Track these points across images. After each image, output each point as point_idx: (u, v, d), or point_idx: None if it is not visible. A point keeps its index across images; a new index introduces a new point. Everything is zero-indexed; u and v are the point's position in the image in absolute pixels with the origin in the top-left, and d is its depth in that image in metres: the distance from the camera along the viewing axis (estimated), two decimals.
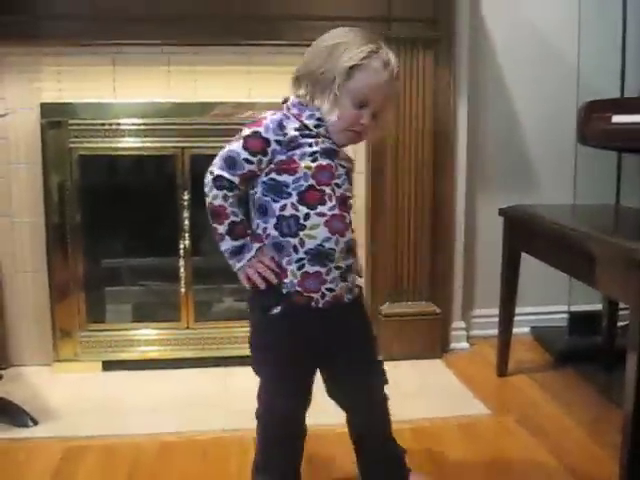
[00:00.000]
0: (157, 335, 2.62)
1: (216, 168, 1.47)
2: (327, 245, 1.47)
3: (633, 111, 2.35)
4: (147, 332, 2.62)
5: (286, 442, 1.61)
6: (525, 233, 2.36)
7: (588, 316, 2.79)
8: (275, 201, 1.47)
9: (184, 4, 2.45)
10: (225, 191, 1.46)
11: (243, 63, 2.55)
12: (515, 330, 2.55)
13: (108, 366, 2.58)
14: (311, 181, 1.46)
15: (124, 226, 2.73)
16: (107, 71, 2.50)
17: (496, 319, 2.55)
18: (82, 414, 2.20)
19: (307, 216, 1.46)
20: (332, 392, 1.63)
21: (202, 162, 2.54)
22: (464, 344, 2.84)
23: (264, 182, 1.48)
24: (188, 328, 2.62)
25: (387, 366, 2.61)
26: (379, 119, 1.52)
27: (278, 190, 1.46)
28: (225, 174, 1.46)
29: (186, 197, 2.55)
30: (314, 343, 1.53)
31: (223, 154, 1.47)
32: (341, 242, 1.49)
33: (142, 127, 2.51)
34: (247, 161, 1.46)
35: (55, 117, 2.46)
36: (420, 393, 2.38)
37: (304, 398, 1.59)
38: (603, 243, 1.87)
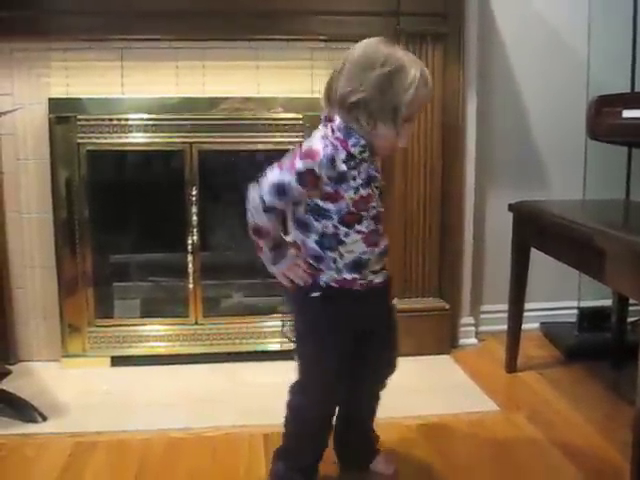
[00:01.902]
0: (165, 331, 2.62)
1: (267, 196, 1.53)
2: (364, 257, 1.60)
3: None
4: (155, 328, 2.62)
5: (311, 436, 1.70)
6: (534, 228, 2.35)
7: (598, 312, 2.77)
8: (317, 220, 1.57)
9: None
10: (272, 215, 1.55)
11: (251, 58, 2.55)
12: (524, 326, 2.53)
13: (117, 362, 2.58)
14: (351, 209, 1.56)
15: (132, 222, 2.73)
16: (115, 66, 2.50)
17: (505, 315, 2.54)
18: (91, 410, 2.20)
19: (347, 234, 1.57)
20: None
21: (210, 157, 2.57)
22: (473, 340, 2.83)
23: (308, 204, 1.57)
24: (196, 324, 2.62)
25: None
26: None
27: (320, 213, 1.56)
28: (276, 203, 1.53)
29: (194, 193, 2.55)
30: (352, 320, 1.62)
31: (274, 180, 1.52)
32: (376, 252, 1.62)
33: (150, 122, 2.50)
34: (298, 192, 1.53)
35: (63, 112, 2.46)
36: (429, 389, 2.37)
37: (340, 380, 1.66)
38: (613, 238, 1.86)
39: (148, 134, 2.51)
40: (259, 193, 1.53)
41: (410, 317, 2.66)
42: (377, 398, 1.84)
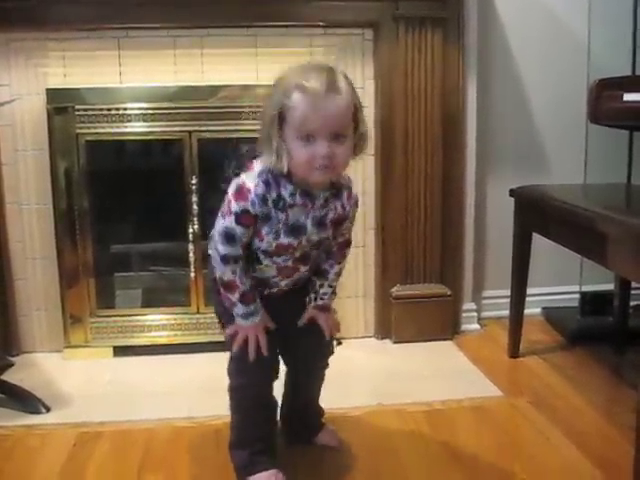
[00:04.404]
0: (167, 320, 2.62)
1: (220, 246, 1.57)
2: (273, 280, 1.67)
3: None
4: (157, 317, 2.62)
5: (260, 413, 1.70)
6: (536, 213, 2.34)
7: (600, 296, 2.77)
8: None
9: None
10: (232, 265, 1.57)
11: (250, 45, 2.53)
12: (526, 311, 2.53)
13: (119, 352, 2.58)
14: (271, 249, 1.59)
15: (133, 211, 2.73)
16: (113, 55, 2.49)
17: (507, 300, 2.54)
18: (94, 400, 2.21)
19: (262, 260, 1.63)
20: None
21: (210, 146, 2.56)
22: (475, 325, 2.83)
23: None
24: (198, 313, 2.62)
25: (398, 348, 2.64)
26: (345, 139, 1.49)
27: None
28: (230, 251, 1.56)
29: (194, 181, 2.54)
30: (274, 319, 1.68)
31: (221, 230, 1.56)
32: (287, 281, 1.68)
33: (149, 112, 2.49)
34: (243, 234, 1.56)
35: (61, 103, 2.45)
36: (432, 375, 2.37)
37: (273, 365, 1.70)
38: (615, 222, 1.85)
39: (147, 123, 2.50)
40: (214, 246, 1.59)
41: (412, 303, 2.66)
42: (320, 378, 1.85)
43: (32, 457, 1.86)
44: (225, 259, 1.56)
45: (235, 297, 1.60)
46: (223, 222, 1.55)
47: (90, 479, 1.76)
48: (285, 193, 1.53)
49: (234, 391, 1.70)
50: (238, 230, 1.53)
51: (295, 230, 1.57)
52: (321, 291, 1.73)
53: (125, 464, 1.82)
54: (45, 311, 2.60)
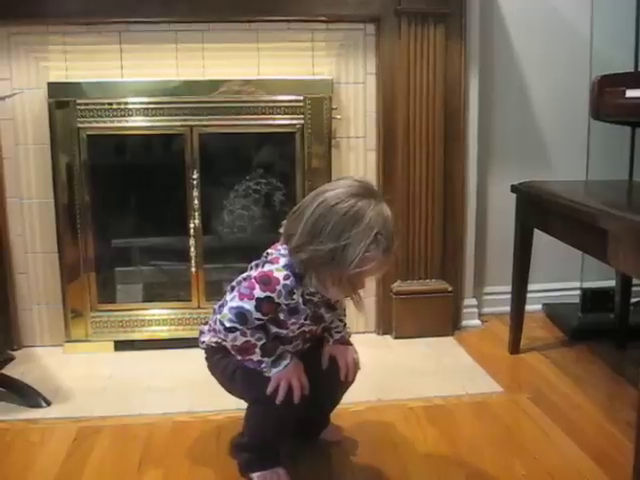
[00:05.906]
0: (168, 315, 2.62)
1: (227, 321, 1.55)
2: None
3: None
4: (158, 312, 2.62)
5: (279, 430, 1.67)
6: (537, 209, 2.34)
7: (601, 293, 2.77)
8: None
9: None
10: (241, 329, 1.56)
11: (251, 40, 2.53)
12: (527, 307, 2.53)
13: (120, 346, 2.58)
14: (289, 336, 1.66)
15: (134, 206, 2.72)
16: (114, 50, 2.48)
17: (508, 296, 2.54)
18: (95, 394, 2.21)
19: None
20: None
21: (211, 140, 2.56)
22: (476, 321, 2.83)
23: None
24: (199, 307, 2.62)
25: (399, 344, 2.64)
26: None
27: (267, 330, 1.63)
28: (237, 326, 1.55)
29: (195, 176, 2.54)
30: None
31: (235, 309, 1.55)
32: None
33: (150, 106, 2.48)
34: (258, 319, 1.56)
35: (62, 97, 2.44)
36: (432, 371, 2.37)
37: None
38: (616, 219, 1.85)
39: (148, 118, 2.49)
40: (219, 318, 1.57)
41: (413, 299, 2.66)
42: (340, 399, 1.87)
43: (32, 451, 1.86)
44: (231, 329, 1.55)
45: (257, 355, 1.59)
46: (240, 303, 1.55)
47: (90, 474, 1.76)
48: (306, 290, 1.58)
49: (254, 416, 1.68)
50: (255, 314, 1.54)
51: (317, 319, 1.67)
52: (332, 325, 1.77)
53: (126, 459, 1.82)
54: (46, 305, 2.60)
